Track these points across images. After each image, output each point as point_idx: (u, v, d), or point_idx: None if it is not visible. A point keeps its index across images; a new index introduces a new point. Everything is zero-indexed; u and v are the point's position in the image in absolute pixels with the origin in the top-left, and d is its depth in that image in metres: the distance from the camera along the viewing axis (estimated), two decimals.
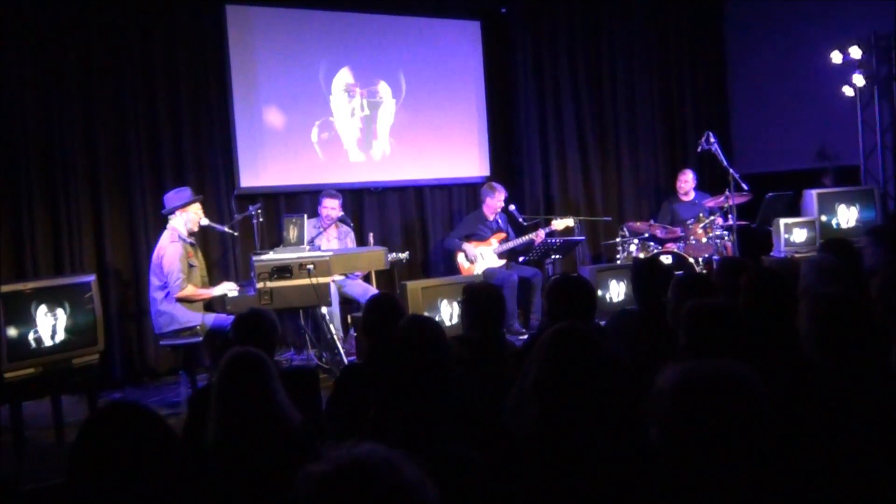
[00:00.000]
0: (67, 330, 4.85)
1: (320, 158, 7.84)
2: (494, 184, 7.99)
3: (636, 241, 7.92)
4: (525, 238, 7.63)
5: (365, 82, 8.10)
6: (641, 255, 7.69)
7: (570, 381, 2.14)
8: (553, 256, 7.57)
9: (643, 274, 4.08)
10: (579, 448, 2.08)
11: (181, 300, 5.73)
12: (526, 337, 5.99)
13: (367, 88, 8.12)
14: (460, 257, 7.66)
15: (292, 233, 5.97)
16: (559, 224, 7.73)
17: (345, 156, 7.98)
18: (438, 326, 3.18)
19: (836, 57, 8.33)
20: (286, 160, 7.67)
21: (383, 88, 8.19)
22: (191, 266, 5.85)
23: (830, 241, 4.82)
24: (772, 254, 7.82)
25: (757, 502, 1.49)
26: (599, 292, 6.96)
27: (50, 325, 4.78)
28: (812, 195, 8.08)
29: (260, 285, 5.50)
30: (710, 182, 8.92)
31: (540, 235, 7.53)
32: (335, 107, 7.94)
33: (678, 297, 3.51)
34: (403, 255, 7.09)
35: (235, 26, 7.39)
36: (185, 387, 5.73)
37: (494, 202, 7.77)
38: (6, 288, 4.68)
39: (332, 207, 6.96)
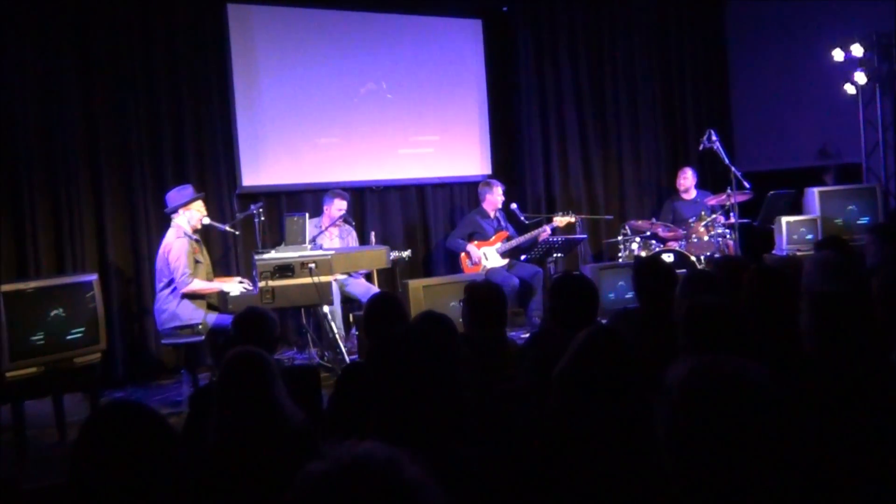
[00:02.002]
0: (69, 329, 4.85)
1: (321, 157, 7.84)
2: (491, 180, 8.01)
3: (638, 239, 7.92)
4: (530, 234, 7.62)
5: (366, 81, 8.10)
6: (643, 254, 7.68)
7: (600, 381, 2.16)
8: (555, 255, 7.57)
9: (645, 273, 4.07)
10: (593, 446, 2.09)
11: (187, 295, 5.73)
12: (527, 336, 5.98)
13: (368, 87, 8.12)
14: (463, 258, 7.66)
15: (294, 231, 5.97)
16: (561, 220, 7.72)
17: (346, 154, 7.97)
18: (451, 324, 3.17)
19: (838, 55, 8.31)
20: (288, 159, 7.67)
21: (384, 87, 8.18)
22: (196, 262, 5.86)
23: (826, 240, 4.82)
24: (773, 252, 7.82)
25: (758, 500, 1.48)
26: (601, 291, 6.95)
27: (52, 324, 4.78)
28: (814, 193, 8.06)
29: (262, 284, 5.50)
30: (712, 180, 8.91)
31: (546, 231, 7.52)
32: (336, 105, 7.93)
33: (687, 295, 3.49)
34: (405, 253, 7.09)
35: (236, 25, 7.39)
36: (186, 386, 5.74)
37: (493, 197, 7.79)
38: (8, 287, 4.68)
39: (343, 209, 6.98)
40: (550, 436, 2.17)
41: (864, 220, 7.94)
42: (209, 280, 6.02)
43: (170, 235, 5.88)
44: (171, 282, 5.74)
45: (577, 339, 2.28)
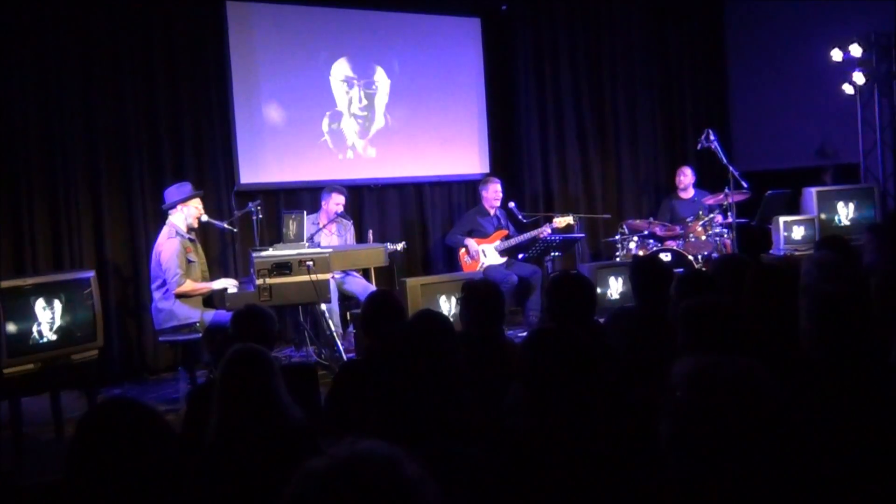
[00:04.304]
0: (66, 326, 4.85)
1: (320, 155, 7.83)
2: (489, 177, 8.02)
3: (635, 238, 7.92)
4: (529, 234, 7.61)
5: (365, 79, 8.09)
6: (641, 253, 7.68)
7: (554, 380, 2.15)
8: (553, 253, 7.57)
9: (642, 272, 4.07)
10: (573, 444, 2.08)
11: (180, 296, 5.73)
12: (525, 334, 5.99)
13: (367, 85, 8.11)
14: (462, 254, 7.66)
15: (292, 229, 5.96)
16: (560, 222, 7.72)
17: (344, 152, 7.97)
18: (448, 322, 3.17)
19: (837, 55, 8.32)
20: (286, 156, 7.66)
21: (383, 85, 8.19)
22: (190, 261, 5.84)
23: (826, 239, 4.82)
24: (771, 252, 7.82)
25: (757, 498, 1.48)
26: (599, 290, 6.95)
27: (49, 321, 4.78)
28: (812, 193, 8.06)
29: (259, 282, 5.49)
30: (710, 180, 8.90)
31: (546, 231, 7.51)
32: (335, 104, 7.93)
33: (681, 294, 3.49)
34: (400, 245, 7.02)
35: (235, 22, 7.38)
36: (184, 383, 5.74)
37: (490, 194, 7.80)
38: (6, 284, 4.68)
39: (341, 203, 6.97)
40: (534, 435, 2.17)
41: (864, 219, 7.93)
42: (204, 278, 6.01)
43: (162, 235, 5.87)
44: (164, 282, 5.74)
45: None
